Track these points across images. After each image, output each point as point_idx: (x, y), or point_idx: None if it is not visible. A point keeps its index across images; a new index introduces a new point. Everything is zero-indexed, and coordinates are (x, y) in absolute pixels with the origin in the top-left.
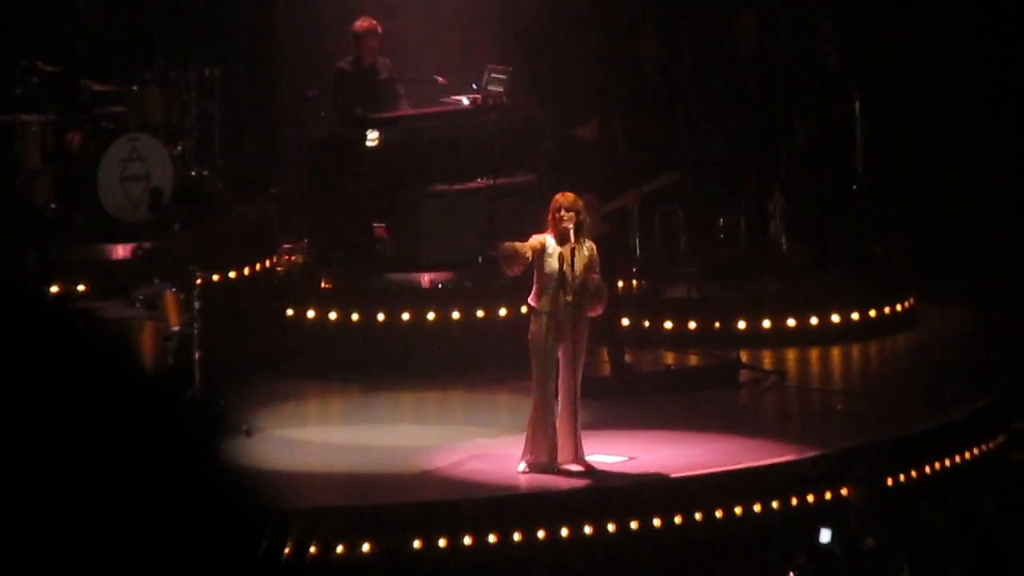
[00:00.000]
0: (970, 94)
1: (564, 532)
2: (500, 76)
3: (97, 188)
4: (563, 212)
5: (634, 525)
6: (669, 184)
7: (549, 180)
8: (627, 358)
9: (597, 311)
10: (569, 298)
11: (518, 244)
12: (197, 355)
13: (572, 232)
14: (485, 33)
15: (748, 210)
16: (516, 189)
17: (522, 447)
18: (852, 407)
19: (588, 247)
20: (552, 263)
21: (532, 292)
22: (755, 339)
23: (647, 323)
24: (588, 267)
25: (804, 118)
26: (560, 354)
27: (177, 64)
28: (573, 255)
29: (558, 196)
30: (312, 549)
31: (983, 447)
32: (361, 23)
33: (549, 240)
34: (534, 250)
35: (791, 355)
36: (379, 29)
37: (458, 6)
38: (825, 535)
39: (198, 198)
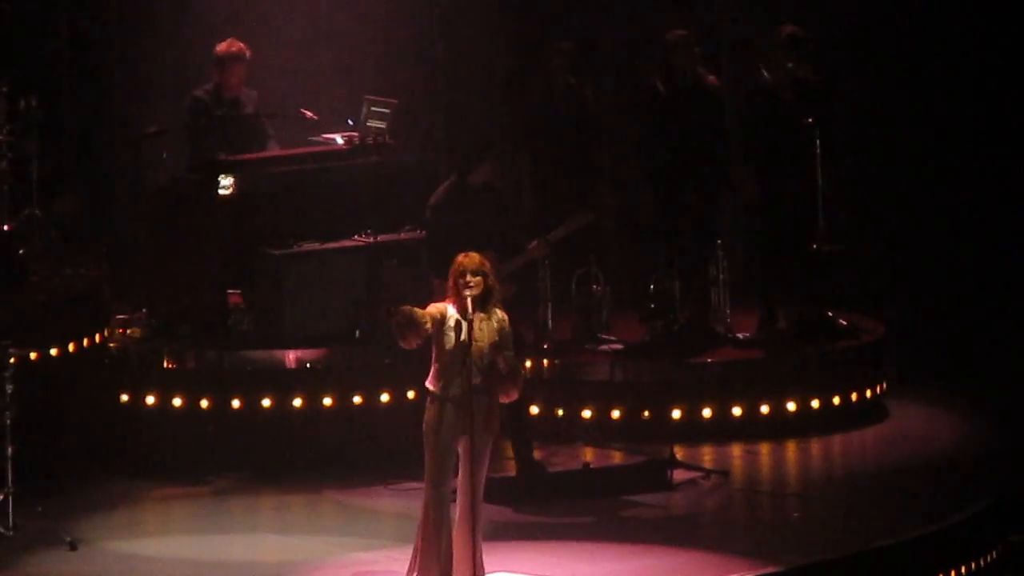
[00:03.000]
0: (963, 128)
1: None
2: (382, 109)
3: None
4: (468, 277)
5: None
6: (582, 228)
7: (436, 237)
8: (536, 454)
9: (511, 396)
10: (476, 381)
11: (418, 309)
12: (10, 450)
13: (473, 301)
14: (363, 57)
15: (684, 273)
16: (401, 248)
17: (408, 563)
18: (811, 515)
19: (498, 318)
20: (453, 338)
21: (430, 373)
22: (693, 431)
23: (560, 411)
24: (498, 343)
25: (753, 161)
26: (460, 449)
27: None
28: (476, 328)
29: (460, 257)
30: None
31: (972, 564)
32: (227, 46)
33: (450, 310)
34: (433, 320)
35: (736, 451)
36: (248, 54)
37: (330, 24)
38: None
39: (10, 258)
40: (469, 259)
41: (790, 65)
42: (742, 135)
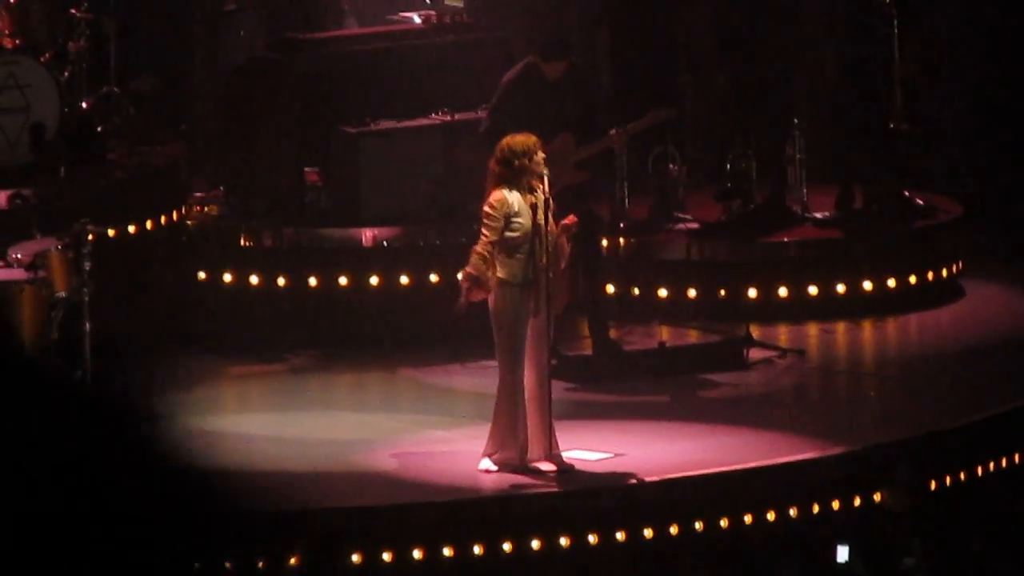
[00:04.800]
0: None
1: (535, 544)
2: None
3: None
4: (538, 156)
5: (620, 536)
6: (662, 123)
7: (500, 112)
8: (612, 334)
9: (560, 268)
10: (543, 261)
11: (478, 262)
12: (88, 327)
13: (549, 179)
14: None
15: (761, 153)
16: (478, 127)
17: (485, 441)
18: (887, 394)
19: (546, 196)
20: (524, 223)
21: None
22: (769, 310)
23: (637, 291)
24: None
25: (830, 40)
26: (529, 328)
27: None
28: (547, 208)
29: (519, 139)
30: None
31: None
32: None
33: (509, 198)
34: (500, 231)
35: (812, 330)
36: None
37: None
38: (842, 553)
39: (89, 135)
40: (530, 139)
41: None
42: (819, 12)
